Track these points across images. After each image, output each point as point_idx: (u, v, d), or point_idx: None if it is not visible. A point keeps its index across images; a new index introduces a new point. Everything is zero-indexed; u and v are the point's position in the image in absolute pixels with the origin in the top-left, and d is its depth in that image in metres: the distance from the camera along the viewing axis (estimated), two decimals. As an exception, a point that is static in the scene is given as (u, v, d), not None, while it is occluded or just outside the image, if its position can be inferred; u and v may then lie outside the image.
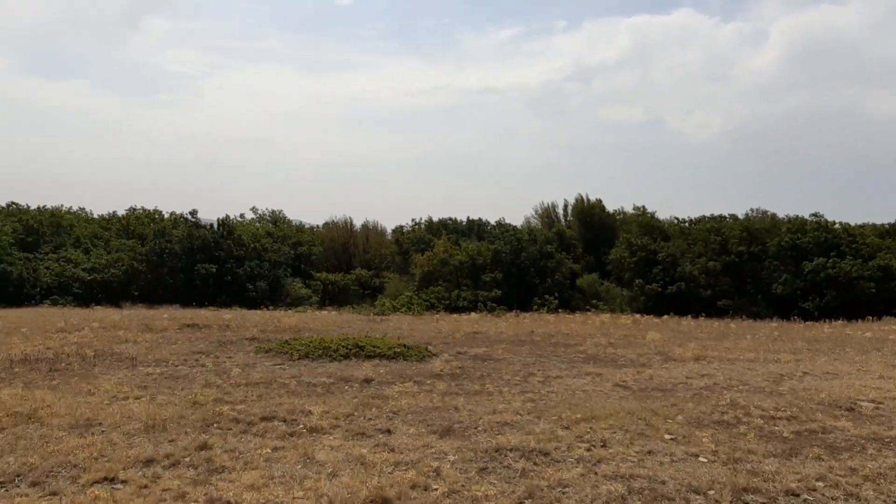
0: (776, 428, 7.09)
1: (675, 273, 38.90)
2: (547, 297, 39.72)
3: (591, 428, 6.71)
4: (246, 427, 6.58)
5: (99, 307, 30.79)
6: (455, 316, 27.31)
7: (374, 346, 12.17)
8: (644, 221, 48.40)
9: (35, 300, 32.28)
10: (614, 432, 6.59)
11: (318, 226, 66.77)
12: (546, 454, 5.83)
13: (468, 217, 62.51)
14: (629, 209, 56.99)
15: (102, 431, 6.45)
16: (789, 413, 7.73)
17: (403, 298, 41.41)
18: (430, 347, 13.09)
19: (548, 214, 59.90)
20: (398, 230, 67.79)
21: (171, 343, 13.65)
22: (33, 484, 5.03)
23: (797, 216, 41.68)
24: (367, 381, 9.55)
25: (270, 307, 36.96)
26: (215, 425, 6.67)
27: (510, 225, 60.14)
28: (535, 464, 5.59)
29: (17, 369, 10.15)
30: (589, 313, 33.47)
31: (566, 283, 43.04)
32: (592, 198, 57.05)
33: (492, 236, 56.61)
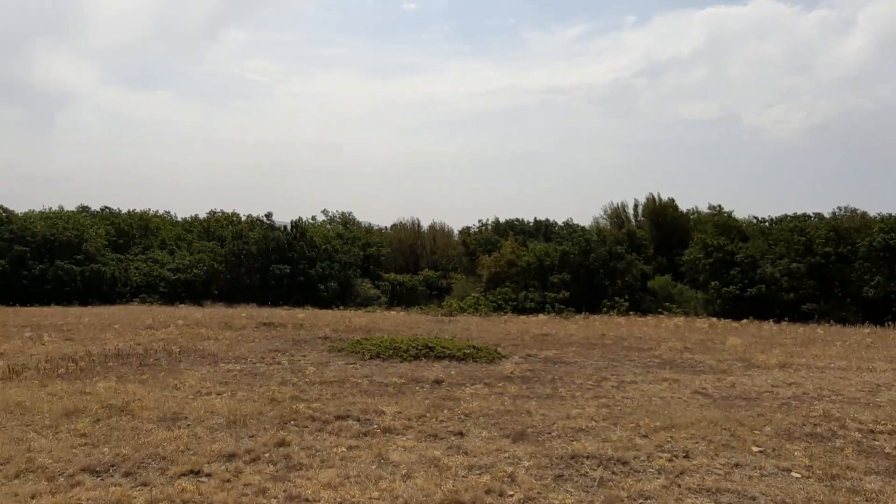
0: (876, 443, 6.60)
1: (754, 275, 37.17)
2: (617, 299, 38.81)
3: (671, 437, 6.45)
4: (321, 425, 6.70)
5: (183, 305, 32.35)
6: (523, 317, 27.06)
7: (443, 348, 12.19)
8: (720, 221, 46.47)
9: (126, 298, 34.25)
10: (697, 442, 6.30)
11: (386, 227, 67.85)
12: (625, 463, 5.63)
13: (535, 218, 61.95)
14: (703, 208, 54.91)
15: (188, 425, 6.71)
16: (890, 427, 7.18)
17: (470, 299, 41.44)
18: (499, 349, 12.99)
19: (617, 215, 58.52)
20: (465, 231, 67.91)
21: (249, 341, 14.13)
22: (126, 474, 5.29)
23: (890, 214, 38.88)
24: (438, 382, 9.56)
25: (341, 307, 37.82)
26: (292, 422, 6.82)
27: (578, 225, 59.12)
28: (613, 473, 5.41)
29: (110, 363, 10.76)
30: (661, 316, 32.43)
31: (637, 285, 41.92)
32: (664, 197, 55.31)
33: (559, 237, 55.81)
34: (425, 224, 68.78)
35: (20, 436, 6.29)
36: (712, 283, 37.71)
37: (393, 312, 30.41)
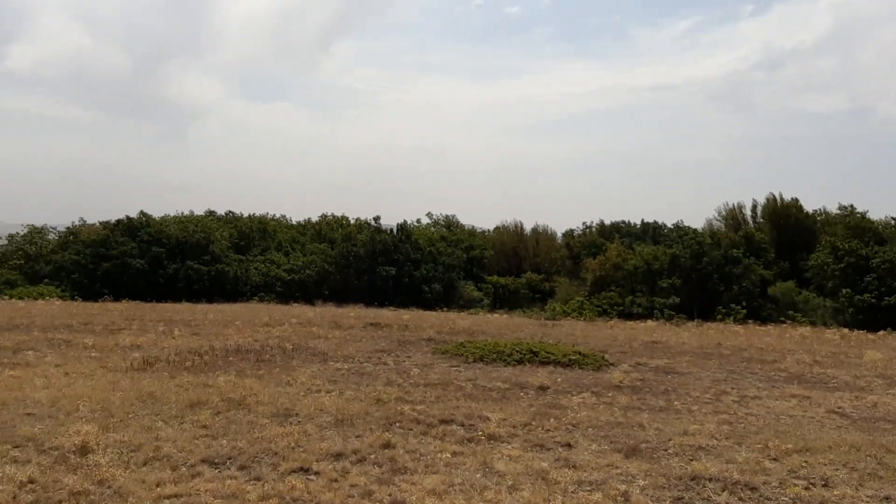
0: None
1: (893, 282, 33.63)
2: (733, 306, 36.46)
3: (805, 461, 5.83)
4: (426, 428, 6.68)
5: (296, 304, 34.00)
6: (630, 323, 26.00)
7: (548, 353, 11.89)
8: (853, 223, 42.49)
9: (246, 297, 36.52)
10: (837, 469, 5.66)
11: (488, 230, 67.88)
12: (753, 489, 5.14)
13: (642, 220, 59.62)
14: (831, 209, 50.47)
15: (299, 422, 6.93)
16: None
17: (574, 303, 40.51)
18: (606, 356, 12.49)
19: (733, 216, 55.10)
20: (568, 234, 66.56)
21: (356, 340, 14.52)
22: (241, 468, 5.51)
23: None
24: (543, 388, 9.30)
25: (444, 309, 38.22)
26: (397, 424, 6.86)
27: (689, 228, 56.18)
28: (740, 499, 4.95)
29: (231, 358, 11.41)
30: (784, 325, 30.02)
31: (755, 292, 39.22)
32: (787, 197, 51.40)
33: (669, 240, 53.31)
34: (528, 227, 68.09)
35: (150, 424, 6.75)
36: (843, 291, 34.57)
37: (496, 315, 30.29)
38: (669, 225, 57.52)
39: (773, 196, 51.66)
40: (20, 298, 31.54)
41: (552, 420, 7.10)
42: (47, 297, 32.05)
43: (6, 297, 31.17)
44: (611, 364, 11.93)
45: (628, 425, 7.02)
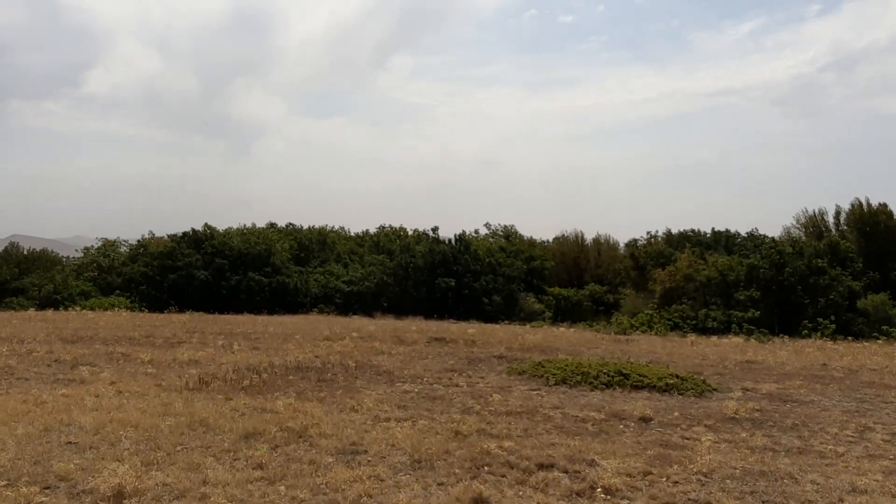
0: None
1: None
2: (820, 320, 33.66)
3: None
4: (522, 476, 5.52)
5: (356, 316, 33.43)
6: (713, 339, 24.04)
7: (640, 375, 10.51)
8: (955, 230, 38.79)
9: (306, 308, 36.27)
10: None
11: (548, 241, 66.14)
12: None
13: (713, 228, 56.60)
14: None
15: (369, 461, 5.89)
16: None
17: (643, 317, 38.43)
18: (705, 380, 10.99)
19: (814, 224, 51.63)
20: (632, 244, 64.07)
21: (422, 357, 13.49)
22: (304, 523, 4.50)
23: None
24: (645, 420, 7.98)
25: (505, 321, 36.92)
26: (486, 469, 5.72)
27: (765, 236, 52.98)
28: None
29: (290, 377, 10.56)
30: (880, 342, 27.32)
31: (844, 305, 36.24)
32: (874, 202, 47.78)
33: (743, 249, 50.34)
34: (589, 237, 65.98)
35: (198, 461, 5.85)
36: (948, 304, 31.36)
37: (562, 329, 28.76)
38: (743, 234, 54.43)
39: (860, 201, 48.11)
40: (91, 309, 32.20)
41: (675, 466, 5.80)
42: (116, 309, 32.62)
43: (78, 308, 31.86)
44: (713, 389, 10.45)
45: (773, 475, 5.65)
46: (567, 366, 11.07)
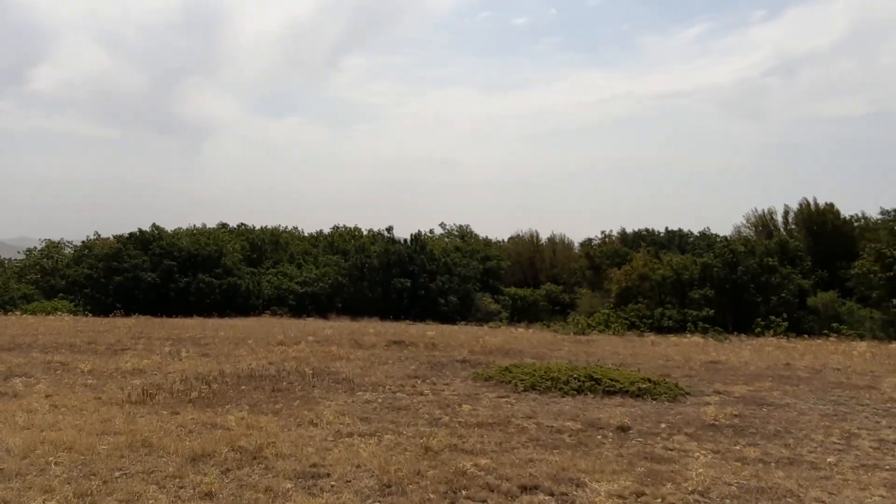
0: None
1: (949, 292, 31.51)
2: (773, 318, 34.46)
3: None
4: (505, 500, 5.01)
5: (310, 318, 32.46)
6: (672, 338, 24.15)
7: (611, 380, 10.18)
8: (898, 229, 40.24)
9: (258, 310, 35.05)
10: None
11: (503, 240, 66.19)
12: None
13: (666, 228, 57.61)
14: (871, 214, 48.42)
15: (332, 486, 5.30)
16: None
17: (600, 316, 38.69)
18: (678, 383, 10.75)
19: (763, 223, 53.11)
20: (586, 244, 64.75)
21: (382, 363, 12.89)
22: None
23: None
24: (623, 429, 7.61)
25: (462, 322, 36.57)
26: (463, 492, 5.20)
27: (716, 235, 54.23)
28: None
29: (243, 387, 9.82)
30: (831, 339, 28.05)
31: (794, 303, 37.25)
32: (821, 202, 49.41)
33: (697, 248, 51.39)
34: (544, 236, 66.29)
35: (140, 490, 5.15)
36: (894, 301, 32.44)
37: (520, 330, 28.52)
38: (696, 233, 55.55)
39: (807, 201, 49.67)
40: (33, 313, 30.31)
41: (668, 485, 5.40)
42: (59, 313, 30.81)
43: (19, 313, 29.93)
44: (686, 393, 10.20)
45: (773, 492, 5.30)
46: (535, 371, 10.67)
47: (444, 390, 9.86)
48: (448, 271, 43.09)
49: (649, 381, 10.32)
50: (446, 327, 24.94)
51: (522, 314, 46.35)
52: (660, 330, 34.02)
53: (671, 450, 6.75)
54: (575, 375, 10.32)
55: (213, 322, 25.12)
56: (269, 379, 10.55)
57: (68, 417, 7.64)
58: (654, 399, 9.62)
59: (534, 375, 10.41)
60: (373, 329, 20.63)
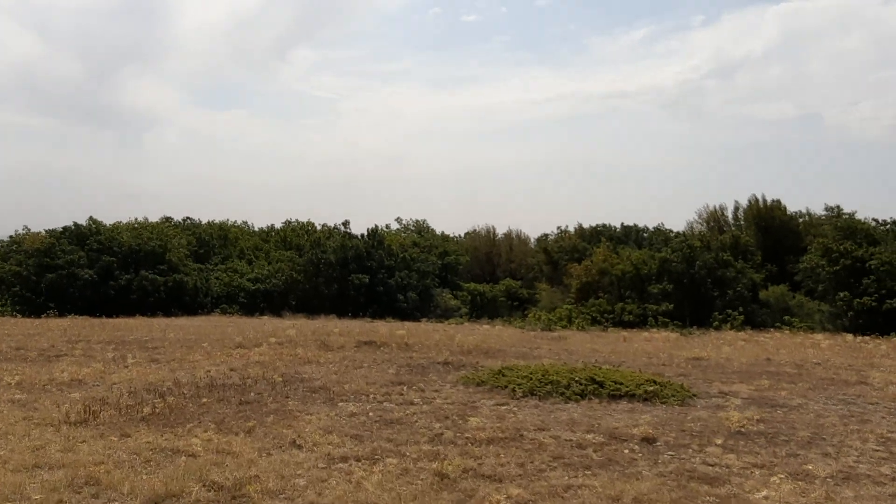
0: None
1: (893, 284, 32.41)
2: (729, 311, 34.88)
3: None
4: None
5: (264, 317, 30.83)
6: (644, 334, 23.82)
7: (615, 382, 9.38)
8: (843, 224, 41.47)
9: (207, 309, 33.12)
10: None
11: (459, 236, 65.47)
12: None
13: (622, 223, 58.01)
14: (815, 210, 49.83)
15: (339, 534, 4.23)
16: None
17: (562, 311, 38.40)
18: (683, 384, 10.04)
19: (715, 218, 54.01)
20: (543, 239, 64.70)
21: (356, 366, 11.77)
22: None
23: None
24: (649, 440, 6.78)
25: (423, 319, 35.63)
26: (507, 536, 4.22)
27: (671, 231, 54.92)
28: None
29: (204, 399, 8.54)
30: (785, 332, 28.44)
31: (748, 296, 37.83)
32: (769, 198, 50.55)
33: (654, 244, 51.85)
34: (500, 232, 65.87)
35: (87, 550, 3.95)
36: (840, 294, 33.17)
37: (485, 326, 27.75)
38: (651, 228, 56.07)
39: (756, 198, 50.70)
40: (-51, 315, 27.67)
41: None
42: (-19, 314, 28.21)
43: (-68, 315, 27.26)
44: (693, 395, 9.50)
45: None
46: (532, 374, 9.77)
47: (435, 398, 8.85)
48: (407, 267, 42.02)
49: (654, 382, 9.58)
50: (416, 325, 23.91)
51: (482, 310, 45.70)
52: (621, 324, 33.95)
53: (712, 465, 5.95)
54: (576, 378, 9.47)
55: (160, 322, 23.33)
56: (233, 388, 9.30)
57: (-8, 444, 6.28)
58: (663, 403, 8.88)
59: (531, 379, 9.51)
60: (337, 328, 19.39)
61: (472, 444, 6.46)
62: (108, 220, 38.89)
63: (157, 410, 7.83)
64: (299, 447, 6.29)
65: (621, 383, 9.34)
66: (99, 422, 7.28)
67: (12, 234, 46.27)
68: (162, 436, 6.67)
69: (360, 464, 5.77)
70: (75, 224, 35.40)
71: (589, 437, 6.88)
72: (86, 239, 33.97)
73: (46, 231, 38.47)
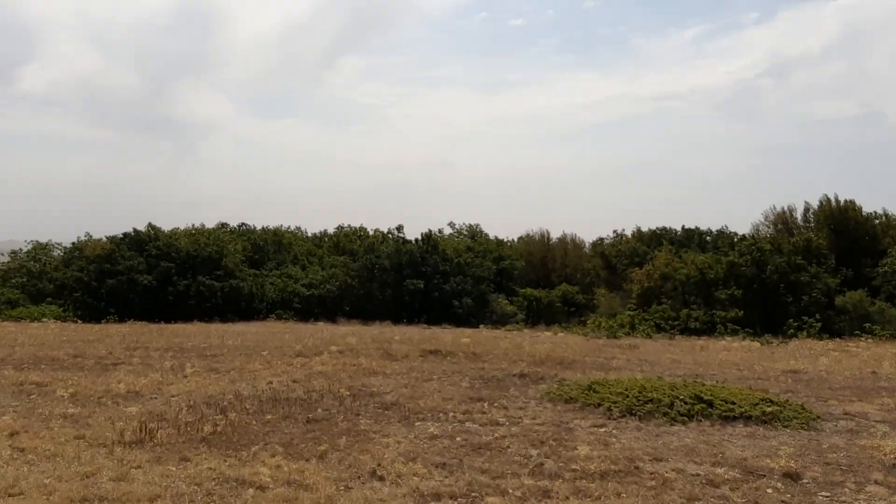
0: None
1: None
2: (805, 318, 32.60)
3: None
4: None
5: (319, 322, 30.44)
6: (720, 342, 22.22)
7: (725, 402, 8.20)
8: (926, 226, 38.46)
9: (262, 314, 33.00)
10: None
11: (513, 240, 64.20)
12: None
13: (683, 226, 55.58)
14: (892, 211, 46.58)
15: None
16: None
17: (624, 318, 36.73)
18: (803, 405, 8.75)
19: (783, 220, 51.17)
20: (598, 243, 62.82)
21: (426, 379, 10.88)
22: None
23: None
24: (792, 476, 5.63)
25: (478, 325, 34.65)
26: None
27: (735, 234, 52.22)
28: None
29: (268, 415, 7.79)
30: (867, 340, 26.16)
31: (824, 303, 35.42)
32: (842, 198, 47.54)
33: (716, 246, 49.47)
34: (554, 236, 64.32)
35: None
36: (926, 301, 30.57)
37: (546, 333, 26.54)
38: (714, 230, 53.47)
39: (828, 198, 47.78)
40: (17, 320, 28.24)
41: None
42: (45, 319, 28.70)
43: (0, 320, 27.86)
44: (816, 417, 8.22)
45: None
46: (627, 390, 8.67)
47: (521, 417, 7.86)
48: (461, 272, 41.17)
49: (771, 402, 8.34)
50: (477, 333, 22.94)
51: (537, 316, 44.47)
52: (687, 331, 32.21)
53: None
54: (678, 396, 8.32)
55: (217, 328, 23.08)
56: (298, 404, 8.53)
57: (36, 469, 5.63)
58: (786, 426, 7.65)
59: (627, 396, 8.41)
60: (397, 336, 18.62)
61: (582, 479, 5.44)
62: (166, 226, 39.40)
63: (219, 429, 7.11)
64: (381, 479, 5.41)
65: (733, 402, 8.15)
66: (156, 442, 6.59)
67: (74, 240, 47.63)
68: (225, 461, 5.92)
69: (455, 503, 4.84)
70: (135, 230, 35.93)
71: (719, 471, 5.77)
72: (145, 245, 34.40)
73: (107, 238, 39.26)
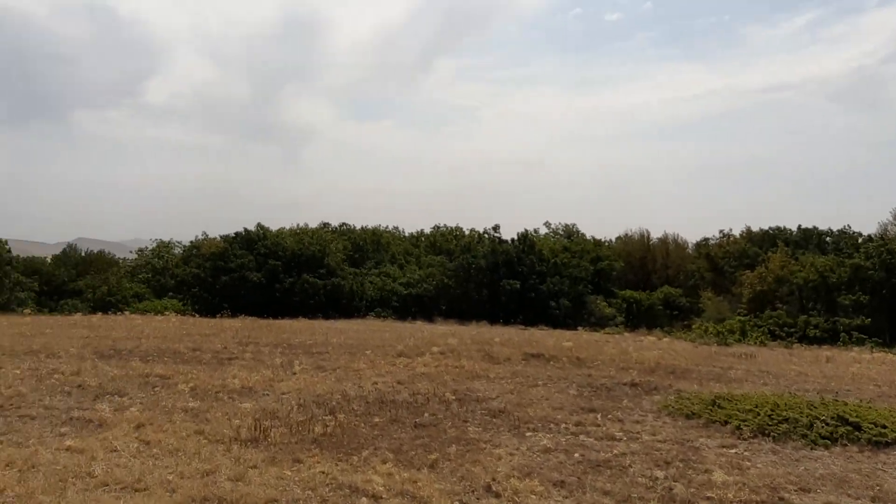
0: None
1: None
2: (947, 328, 29.23)
3: None
4: None
5: (416, 321, 30.73)
6: (850, 353, 20.22)
7: (873, 424, 7.27)
8: None
9: (361, 312, 33.79)
10: None
11: (610, 240, 62.17)
12: None
13: (799, 226, 51.54)
14: None
15: None
16: None
17: (734, 323, 34.49)
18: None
19: (918, 220, 46.28)
20: (703, 243, 59.64)
21: (531, 384, 10.52)
22: None
23: None
24: (977, 522, 4.81)
25: (576, 327, 33.71)
26: None
27: (859, 234, 47.79)
28: None
29: (376, 419, 7.75)
30: None
31: (967, 311, 31.68)
32: None
33: (839, 248, 45.56)
34: (654, 235, 61.70)
35: None
36: None
37: (650, 338, 25.26)
38: (835, 230, 49.24)
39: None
40: (143, 313, 30.49)
41: None
42: (167, 312, 30.83)
43: (128, 312, 30.17)
44: None
45: None
46: (758, 406, 7.91)
47: (639, 432, 7.34)
48: (558, 273, 40.31)
49: (932, 428, 7.31)
50: (577, 335, 22.24)
51: (637, 319, 42.80)
52: (805, 340, 29.75)
53: None
54: (818, 416, 7.48)
55: (321, 325, 23.77)
56: (404, 407, 8.44)
57: (159, 465, 5.81)
58: (955, 458, 6.65)
59: (758, 414, 7.66)
60: (497, 338, 18.33)
61: (720, 509, 4.91)
62: (273, 226, 41.27)
63: (329, 430, 7.12)
64: (497, 495, 5.14)
65: (884, 426, 7.21)
66: (270, 441, 6.67)
67: (192, 239, 51.04)
68: (337, 465, 5.87)
69: (581, 529, 4.49)
70: (245, 230, 37.88)
71: (883, 509, 5.05)
72: (254, 244, 36.19)
73: (221, 237, 41.73)
